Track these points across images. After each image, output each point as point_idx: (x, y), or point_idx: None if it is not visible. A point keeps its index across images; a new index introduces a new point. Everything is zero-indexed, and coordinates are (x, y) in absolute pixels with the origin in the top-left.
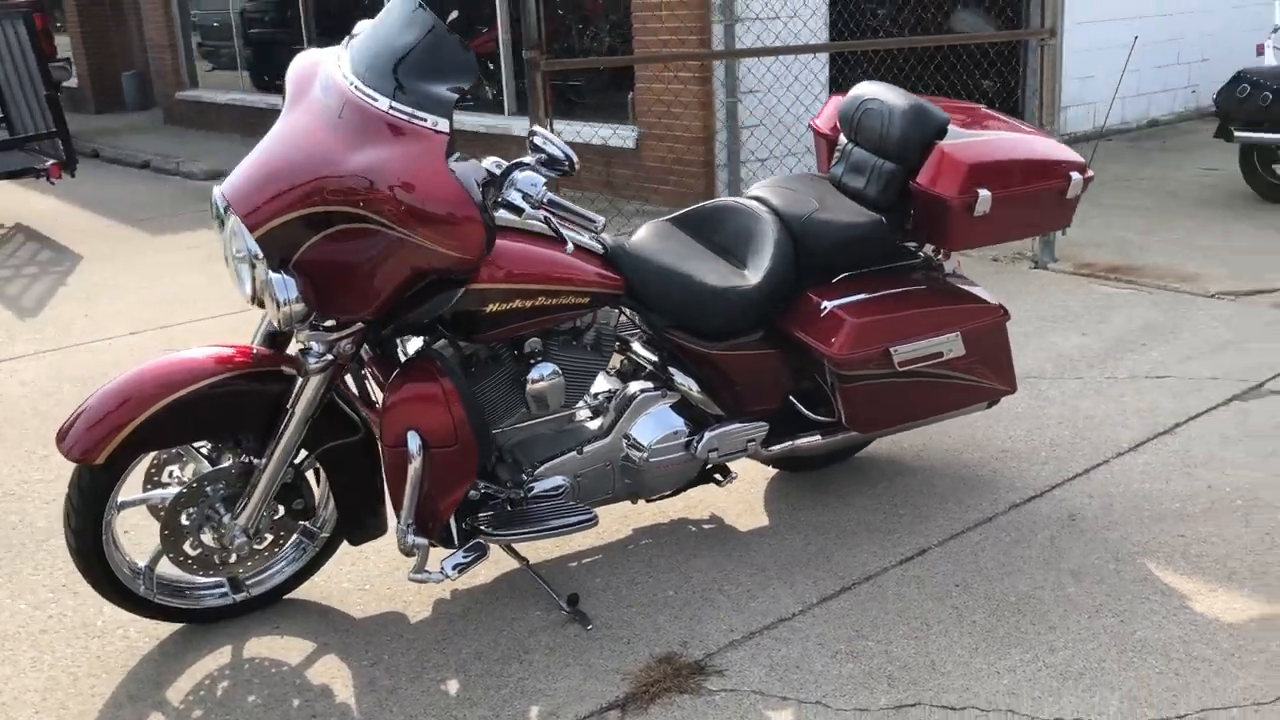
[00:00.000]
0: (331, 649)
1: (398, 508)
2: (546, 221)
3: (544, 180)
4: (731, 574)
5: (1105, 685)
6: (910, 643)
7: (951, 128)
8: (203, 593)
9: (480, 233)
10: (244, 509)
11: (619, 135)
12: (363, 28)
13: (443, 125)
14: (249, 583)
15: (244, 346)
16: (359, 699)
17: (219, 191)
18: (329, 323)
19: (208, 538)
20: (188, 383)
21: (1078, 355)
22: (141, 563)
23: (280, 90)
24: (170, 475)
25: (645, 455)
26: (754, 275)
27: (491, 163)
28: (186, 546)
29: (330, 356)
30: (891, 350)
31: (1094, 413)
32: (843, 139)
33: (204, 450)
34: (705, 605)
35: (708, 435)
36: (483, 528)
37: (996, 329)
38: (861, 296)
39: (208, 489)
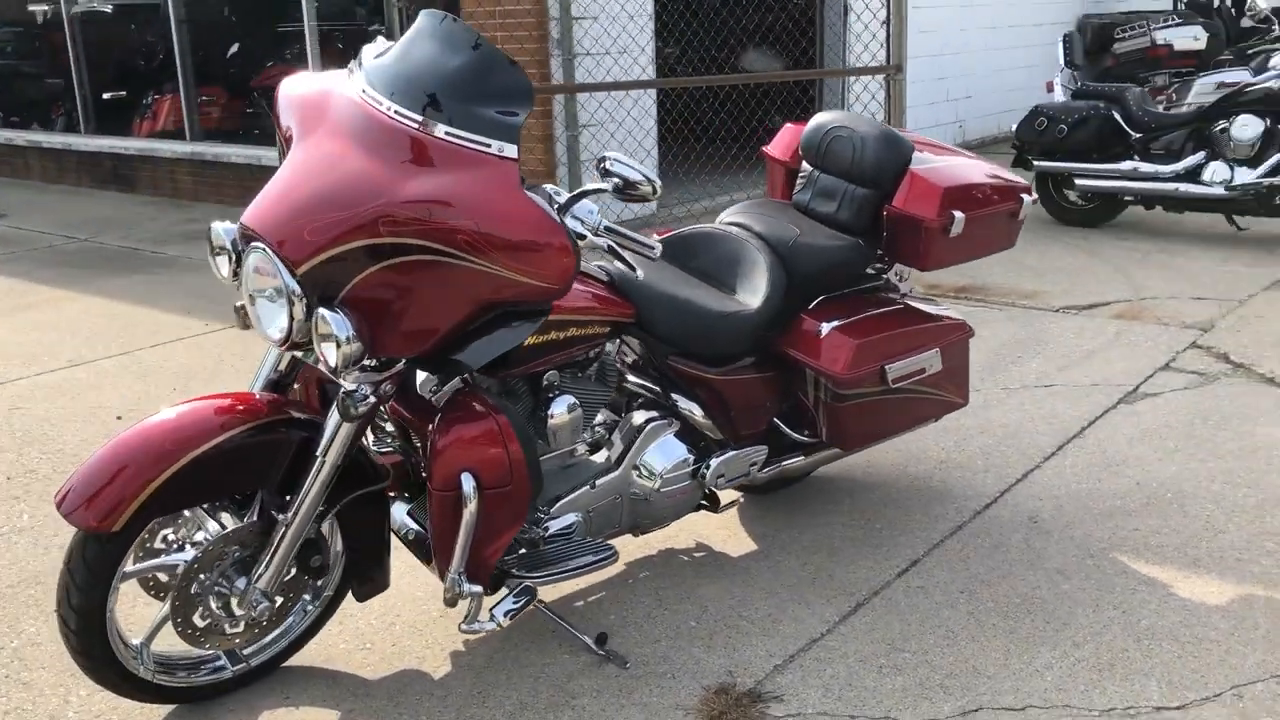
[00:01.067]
0: (360, 715)
1: (440, 556)
2: (610, 250)
3: (598, 208)
4: (745, 600)
5: (1138, 673)
6: (945, 651)
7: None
8: (201, 667)
9: (571, 261)
10: (266, 570)
11: None
12: (379, 49)
13: (509, 151)
14: (247, 652)
15: (248, 394)
16: None
17: (221, 227)
18: (369, 362)
19: (217, 605)
20: (207, 437)
21: None
22: (136, 640)
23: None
24: (165, 540)
25: (657, 485)
26: (752, 300)
27: (551, 190)
28: (196, 617)
29: (373, 399)
30: (886, 368)
31: (1006, 421)
32: (807, 166)
33: (203, 510)
34: (733, 633)
35: (715, 462)
36: (514, 571)
37: (963, 345)
38: (855, 317)
39: (225, 551)
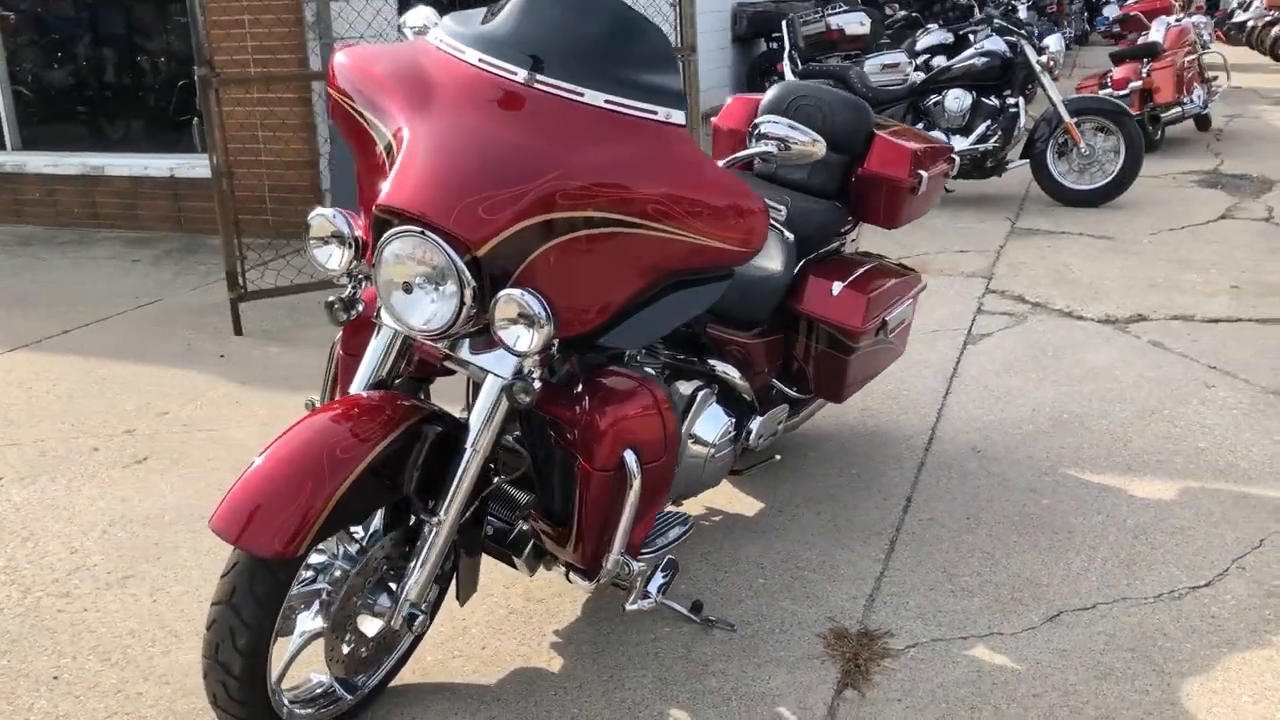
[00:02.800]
0: None
1: (588, 540)
2: None
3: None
4: (791, 553)
5: (1157, 563)
6: (993, 570)
7: None
8: (322, 699)
9: (765, 223)
10: (416, 579)
11: (192, 166)
12: (465, 15)
13: (677, 117)
14: (359, 679)
15: (385, 394)
16: None
17: (329, 213)
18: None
19: (364, 626)
20: (374, 443)
21: None
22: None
23: None
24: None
25: (712, 452)
26: (773, 264)
27: None
28: (344, 642)
29: (538, 384)
30: (886, 319)
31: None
32: None
33: None
34: (803, 583)
35: (754, 424)
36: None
37: (918, 296)
38: (853, 275)
39: (375, 566)
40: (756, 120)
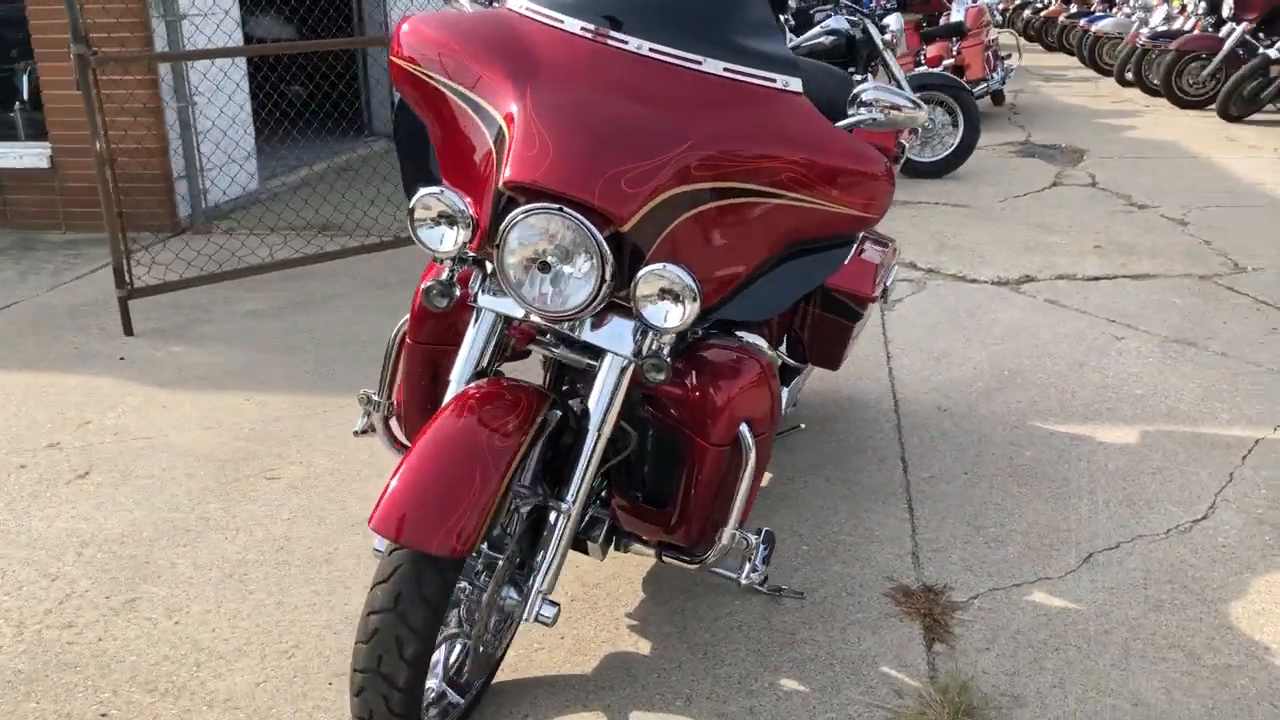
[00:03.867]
0: (625, 708)
1: (698, 515)
2: None
3: None
4: (821, 519)
5: (1153, 501)
6: (1014, 519)
7: None
8: (440, 703)
9: (892, 189)
10: (549, 570)
11: (19, 155)
12: None
13: (795, 84)
14: (464, 679)
15: (507, 382)
16: None
17: (441, 192)
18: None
19: (493, 622)
20: (521, 437)
21: None
22: None
23: None
24: None
25: None
26: None
27: None
28: (473, 643)
29: (670, 361)
30: (886, 285)
31: None
32: None
33: None
34: (845, 547)
35: (789, 389)
36: None
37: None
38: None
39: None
40: (857, 89)
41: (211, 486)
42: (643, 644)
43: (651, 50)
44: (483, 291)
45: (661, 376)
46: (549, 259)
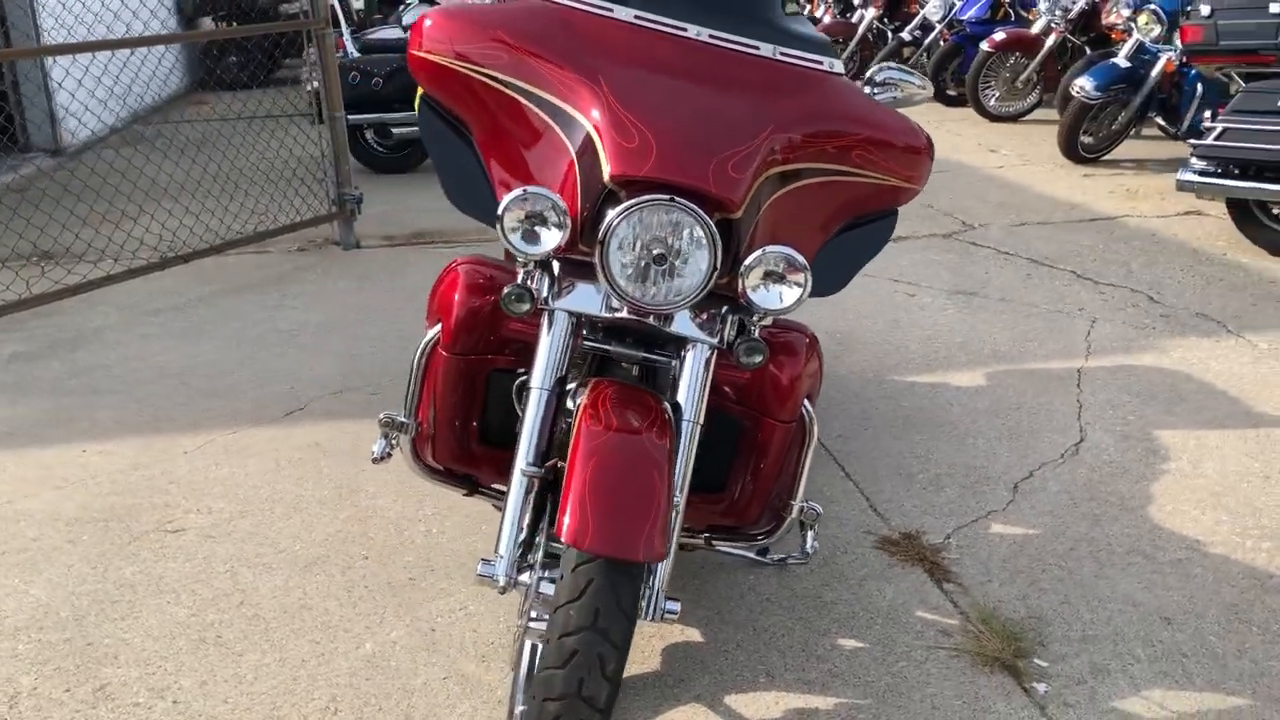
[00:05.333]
0: (710, 692)
1: (759, 493)
2: None
3: None
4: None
5: (1035, 432)
6: (933, 464)
7: None
8: None
9: (933, 157)
10: (666, 568)
11: None
12: None
13: (838, 66)
14: None
15: (618, 384)
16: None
17: (537, 190)
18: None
19: None
20: (667, 440)
21: None
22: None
23: None
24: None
25: None
26: None
27: None
28: None
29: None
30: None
31: None
32: None
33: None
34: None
35: None
36: None
37: None
38: None
39: None
40: (870, 72)
41: (108, 550)
42: (690, 632)
43: (711, 37)
44: (553, 293)
45: (759, 359)
46: (658, 251)
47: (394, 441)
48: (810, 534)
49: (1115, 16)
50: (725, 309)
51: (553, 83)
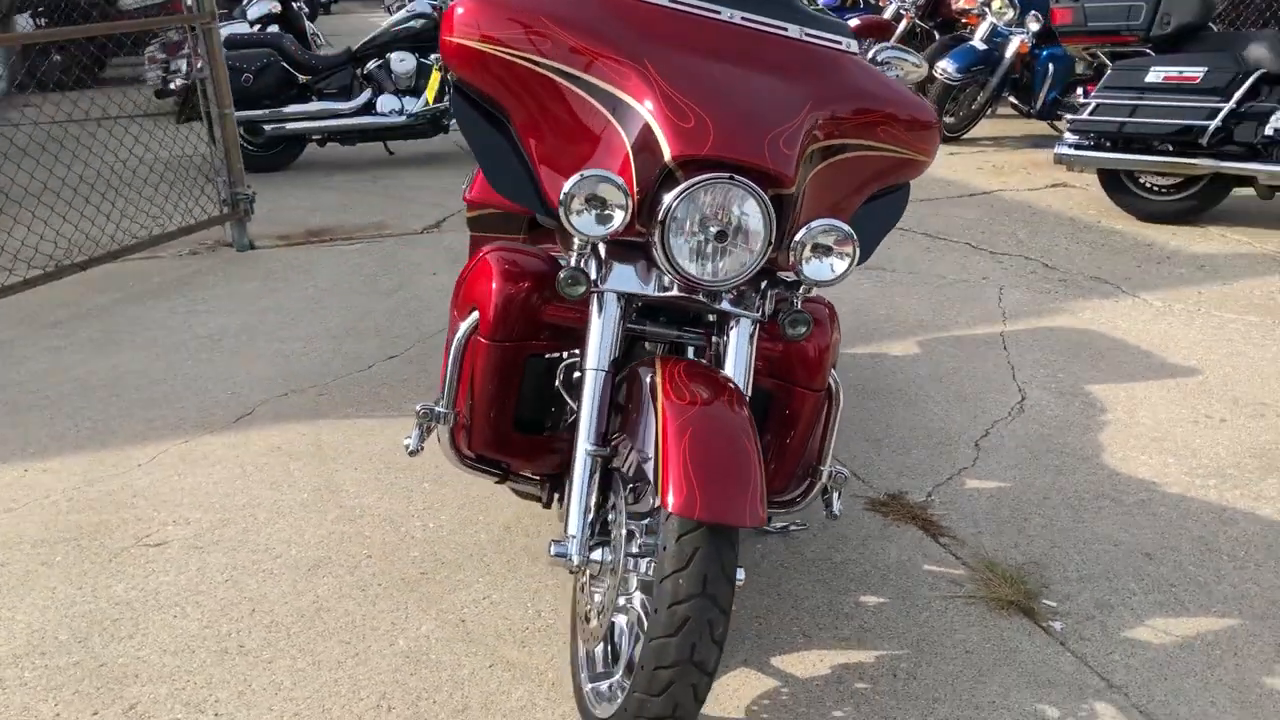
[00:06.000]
0: (761, 660)
1: (791, 462)
2: None
3: None
4: None
5: (984, 393)
6: (895, 428)
7: None
8: None
9: (940, 135)
10: None
11: None
12: None
13: (854, 45)
14: None
15: (685, 362)
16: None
17: (577, 178)
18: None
19: None
20: (745, 408)
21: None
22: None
23: None
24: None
25: None
26: None
27: None
28: None
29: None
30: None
31: None
32: None
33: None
34: None
35: None
36: None
37: None
38: None
39: None
40: (872, 52)
41: (89, 569)
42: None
43: (743, 19)
44: (601, 276)
45: (804, 330)
46: (718, 228)
47: (428, 432)
48: (836, 497)
49: (968, 1)
50: (764, 283)
51: (599, 67)
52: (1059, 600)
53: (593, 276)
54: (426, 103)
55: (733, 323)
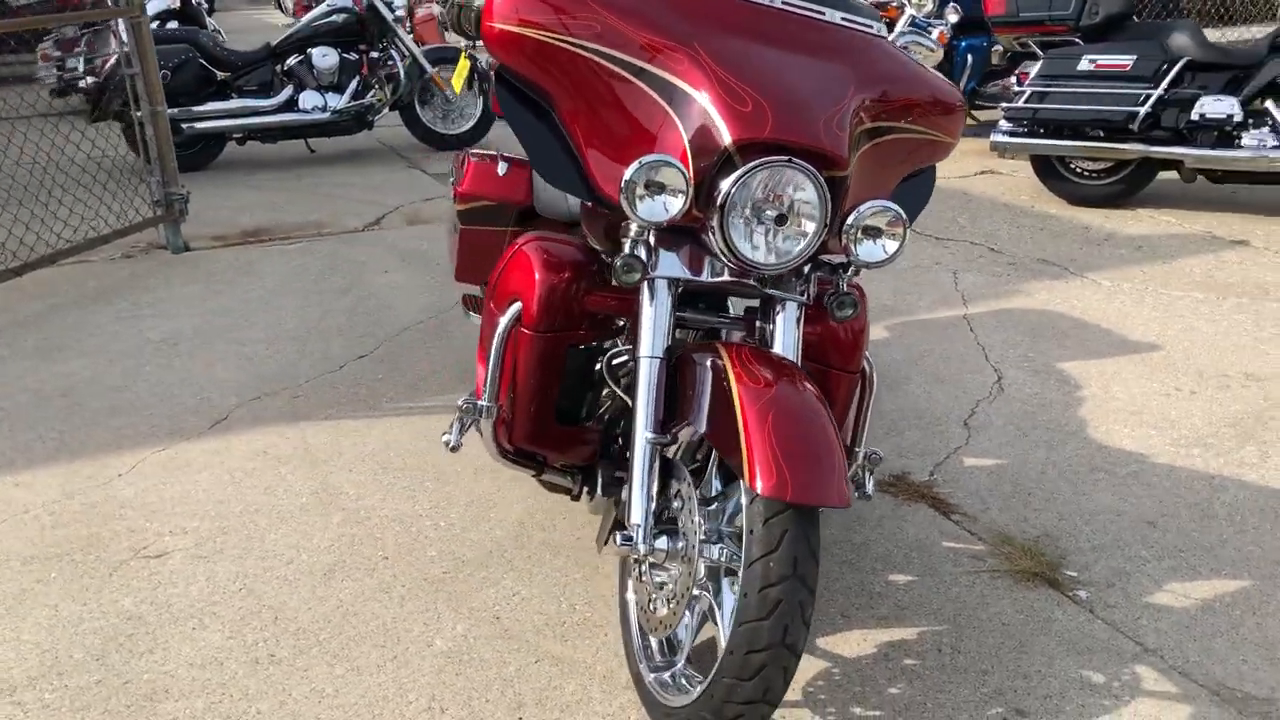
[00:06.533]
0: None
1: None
2: None
3: None
4: None
5: (941, 362)
6: (885, 411)
7: None
8: None
9: (965, 118)
10: None
11: None
12: None
13: (882, 29)
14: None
15: (748, 347)
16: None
17: (662, 158)
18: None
19: None
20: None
21: (397, 288)
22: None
23: None
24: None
25: None
26: None
27: None
28: None
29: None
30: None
31: None
32: None
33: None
34: None
35: None
36: None
37: None
38: None
39: None
40: (892, 37)
41: (90, 585)
42: None
43: (784, 3)
44: (650, 263)
45: (851, 311)
46: (777, 212)
47: (468, 427)
48: (869, 478)
49: None
50: (808, 267)
51: (650, 51)
52: (1078, 570)
53: (645, 261)
54: (353, 97)
55: (778, 307)
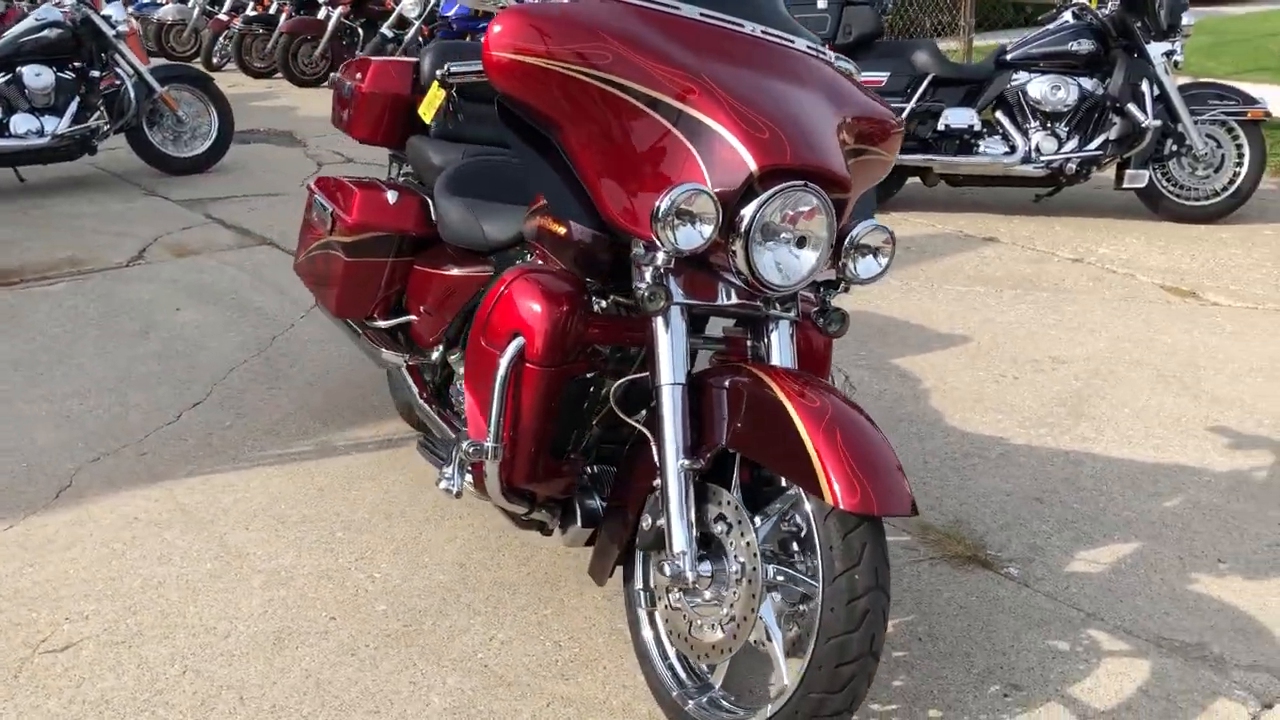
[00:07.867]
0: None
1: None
2: None
3: None
4: None
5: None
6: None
7: None
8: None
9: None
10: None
11: None
12: None
13: (833, 56)
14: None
15: (770, 366)
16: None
17: (696, 186)
18: None
19: None
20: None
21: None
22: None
23: None
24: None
25: None
26: None
27: None
28: None
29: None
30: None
31: None
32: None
33: None
34: None
35: None
36: None
37: None
38: None
39: None
40: None
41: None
42: None
43: (763, 33)
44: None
45: (840, 326)
46: (798, 235)
47: (470, 470)
48: None
49: None
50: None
51: (659, 80)
52: (998, 549)
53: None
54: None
55: (773, 325)
